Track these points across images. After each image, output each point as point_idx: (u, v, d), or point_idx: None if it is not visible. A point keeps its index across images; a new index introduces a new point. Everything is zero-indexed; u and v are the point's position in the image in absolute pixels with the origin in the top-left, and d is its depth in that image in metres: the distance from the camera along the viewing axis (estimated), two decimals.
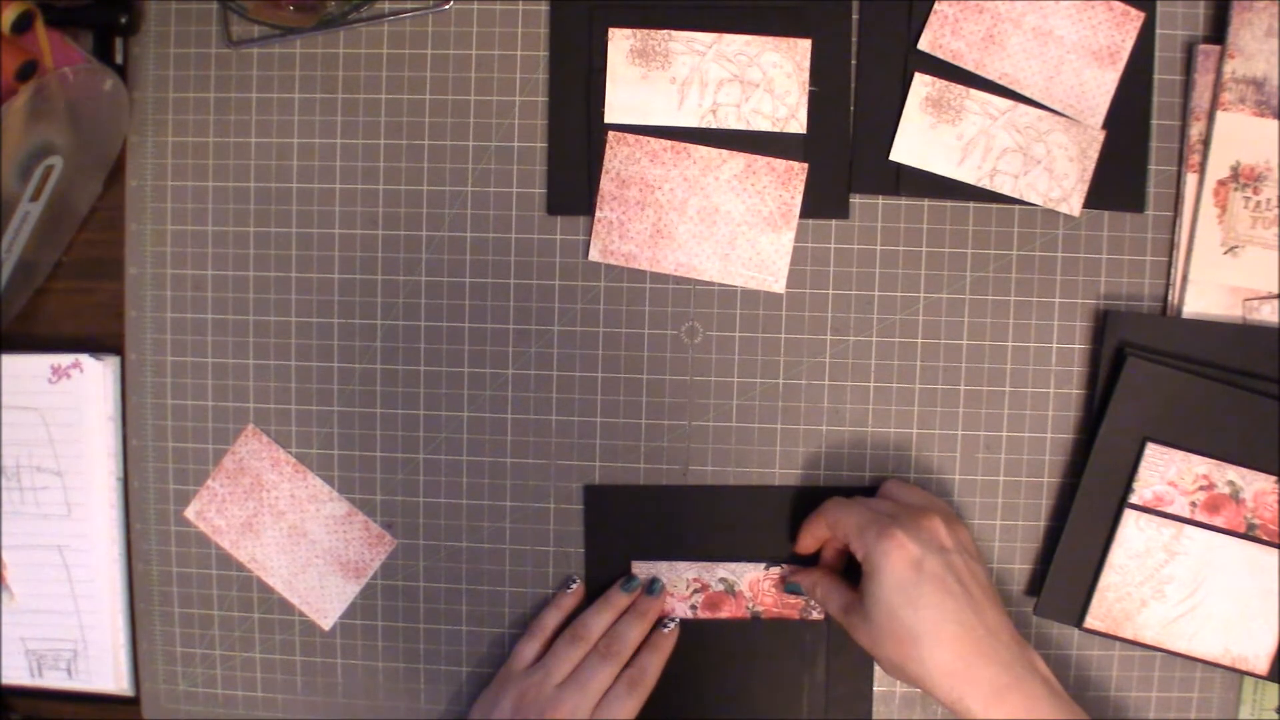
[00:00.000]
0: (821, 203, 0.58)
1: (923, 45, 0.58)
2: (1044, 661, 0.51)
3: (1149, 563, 0.57)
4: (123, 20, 0.59)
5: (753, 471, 0.60)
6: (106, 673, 0.62)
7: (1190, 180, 0.58)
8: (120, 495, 0.62)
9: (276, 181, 0.61)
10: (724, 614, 0.60)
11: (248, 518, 0.61)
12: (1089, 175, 0.58)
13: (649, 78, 0.58)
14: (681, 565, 0.59)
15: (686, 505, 0.60)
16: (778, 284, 0.59)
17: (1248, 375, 0.56)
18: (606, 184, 0.59)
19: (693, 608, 0.60)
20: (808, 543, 0.57)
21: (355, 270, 0.60)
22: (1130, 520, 0.57)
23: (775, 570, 0.59)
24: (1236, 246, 0.57)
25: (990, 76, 0.57)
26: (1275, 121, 0.56)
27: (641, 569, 0.60)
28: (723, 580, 0.60)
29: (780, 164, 0.58)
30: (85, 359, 0.61)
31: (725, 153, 0.58)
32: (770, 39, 0.58)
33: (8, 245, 0.58)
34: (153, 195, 0.61)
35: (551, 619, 0.59)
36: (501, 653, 0.61)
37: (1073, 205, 0.58)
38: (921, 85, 0.58)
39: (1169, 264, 0.58)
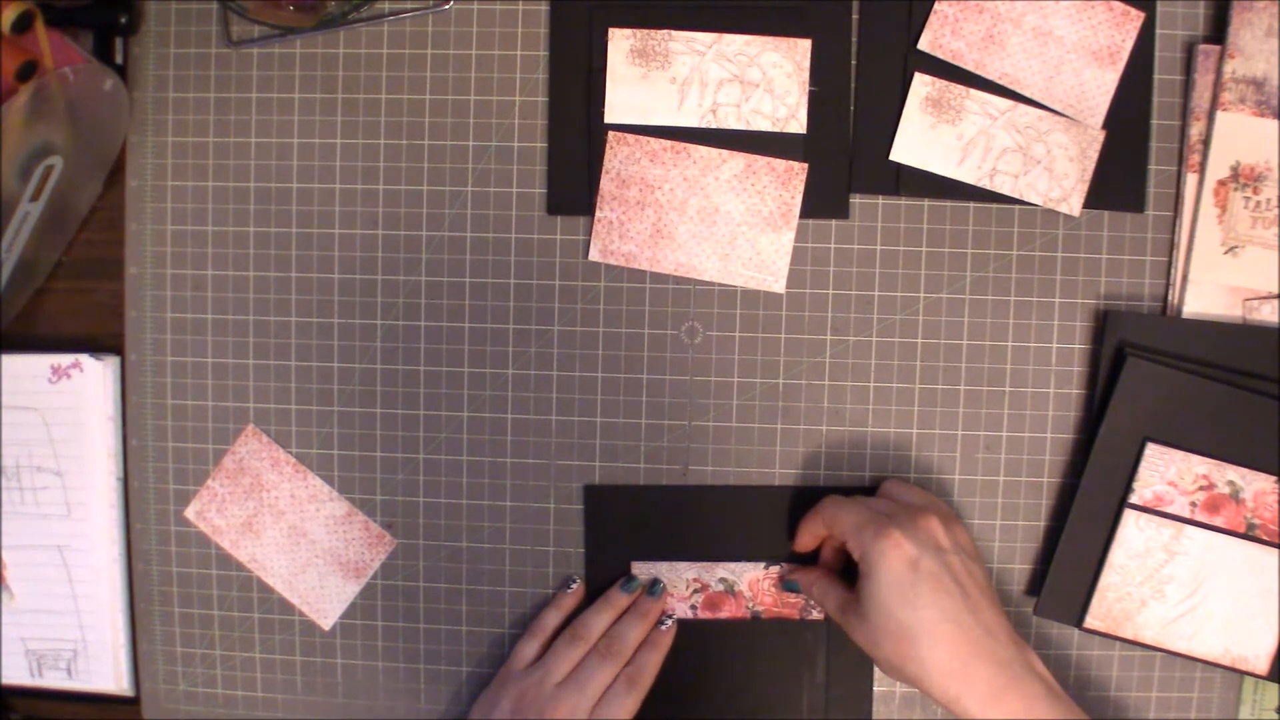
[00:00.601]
0: (821, 203, 0.58)
1: (923, 45, 0.58)
2: (1042, 661, 0.51)
3: (1149, 563, 0.57)
4: (123, 20, 0.59)
5: (753, 471, 0.60)
6: (106, 673, 0.62)
7: (1190, 180, 0.58)
8: (120, 495, 0.62)
9: (276, 181, 0.61)
10: (724, 614, 0.60)
11: (248, 518, 0.61)
12: (1089, 175, 0.58)
13: (649, 78, 0.58)
14: (681, 565, 0.59)
15: (686, 505, 0.60)
16: (778, 284, 0.59)
17: (1248, 375, 0.56)
18: (606, 184, 0.59)
19: (693, 608, 0.60)
20: (806, 541, 0.57)
21: (355, 270, 0.60)
22: (1130, 520, 0.57)
23: (775, 570, 0.59)
24: (1236, 246, 0.57)
25: (990, 76, 0.57)
26: (1275, 121, 0.56)
27: (641, 569, 0.60)
28: (722, 580, 0.60)
29: (780, 164, 0.58)
30: (85, 359, 0.61)
31: (725, 153, 0.58)
32: (770, 39, 0.58)
33: (8, 245, 0.58)
34: (153, 195, 0.61)
35: (551, 619, 0.59)
36: (501, 653, 0.61)
37: (1073, 205, 0.58)
38: (921, 85, 0.58)
39: (1169, 264, 0.58)
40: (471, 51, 0.60)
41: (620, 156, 0.59)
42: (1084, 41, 0.57)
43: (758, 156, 0.58)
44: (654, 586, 0.59)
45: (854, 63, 0.58)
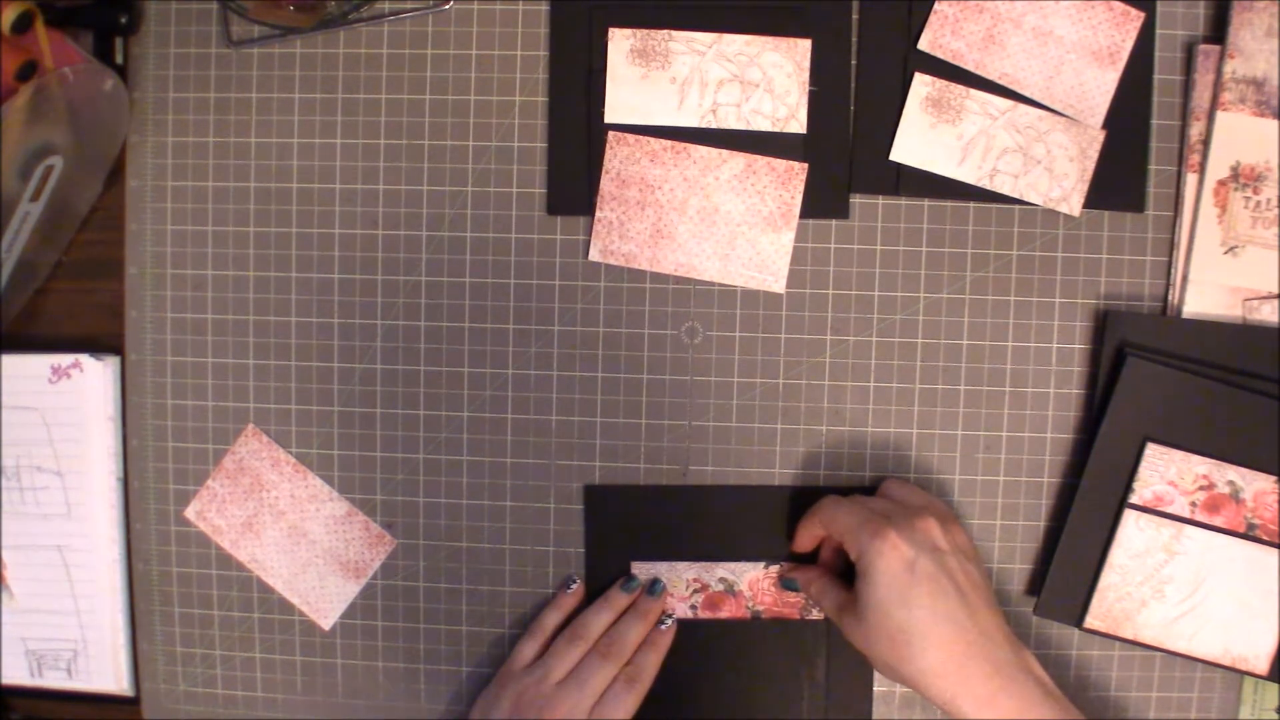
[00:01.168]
0: (821, 203, 0.58)
1: (923, 45, 0.58)
2: (1039, 662, 0.51)
3: (1149, 563, 0.57)
4: (123, 20, 0.59)
5: (753, 471, 0.60)
6: (106, 673, 0.62)
7: (1190, 180, 0.58)
8: (120, 495, 0.62)
9: (276, 181, 0.61)
10: (724, 614, 0.60)
11: (248, 518, 0.61)
12: (1089, 175, 0.58)
13: (649, 78, 0.58)
14: (681, 565, 0.59)
15: (686, 505, 0.60)
16: (778, 284, 0.59)
17: (1248, 375, 0.56)
18: (606, 184, 0.59)
19: (693, 608, 0.60)
20: (804, 541, 0.57)
21: (355, 270, 0.60)
22: (1130, 520, 0.57)
23: (775, 569, 0.59)
24: (1236, 246, 0.57)
25: (990, 76, 0.57)
26: (1275, 121, 0.56)
27: (641, 569, 0.60)
28: (722, 580, 0.60)
29: (780, 164, 0.58)
30: (85, 359, 0.61)
31: (725, 153, 0.58)
32: (770, 39, 0.58)
33: (8, 245, 0.58)
34: (153, 195, 0.61)
35: (551, 619, 0.59)
36: (502, 653, 0.61)
37: (1073, 205, 0.58)
38: (921, 85, 0.58)
39: (1169, 264, 0.58)
40: (471, 51, 0.60)
41: (620, 156, 0.59)
42: (1084, 41, 0.57)
43: (758, 156, 0.58)
44: (654, 586, 0.59)
45: (854, 63, 0.58)
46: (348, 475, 0.61)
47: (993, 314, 0.59)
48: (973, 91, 0.58)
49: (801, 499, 0.59)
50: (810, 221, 0.59)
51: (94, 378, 0.61)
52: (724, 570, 0.59)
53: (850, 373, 0.59)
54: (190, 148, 0.61)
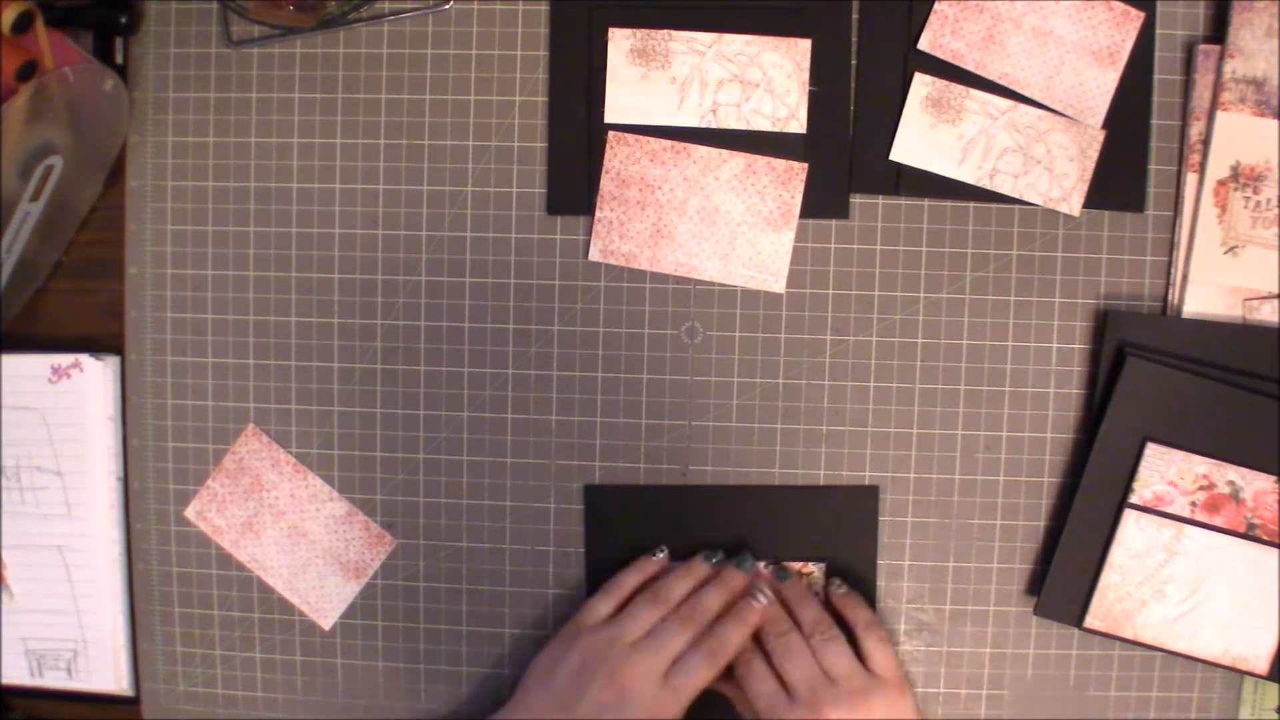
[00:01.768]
0: (821, 203, 0.58)
1: (923, 45, 0.58)
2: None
3: (1149, 562, 0.57)
4: (123, 20, 0.59)
5: (753, 471, 0.60)
6: (106, 673, 0.62)
7: (1190, 180, 0.58)
8: (120, 495, 0.62)
9: (276, 181, 0.61)
10: None
11: (248, 518, 0.61)
12: (1089, 175, 0.58)
13: (649, 78, 0.58)
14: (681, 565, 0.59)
15: (686, 505, 0.60)
16: (778, 284, 0.59)
17: (1248, 375, 0.56)
18: (606, 184, 0.59)
19: None
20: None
21: (355, 270, 0.60)
22: (1130, 520, 0.57)
23: (773, 569, 0.59)
24: (1236, 246, 0.57)
25: (990, 76, 0.57)
26: (1275, 121, 0.56)
27: None
28: None
29: (780, 164, 0.58)
30: (85, 359, 0.61)
31: (725, 153, 0.58)
32: (770, 39, 0.58)
33: (8, 245, 0.58)
34: (153, 195, 0.61)
35: (631, 579, 0.57)
36: (501, 652, 0.61)
37: (1073, 205, 0.58)
38: (921, 85, 0.58)
39: (1169, 264, 0.58)
40: (471, 51, 0.60)
41: (620, 156, 0.59)
42: (1084, 41, 0.57)
43: (758, 156, 0.58)
44: (743, 561, 0.57)
45: (854, 63, 0.58)
46: (348, 475, 0.61)
47: (993, 314, 0.59)
48: (973, 91, 0.58)
49: (801, 499, 0.59)
50: (810, 221, 0.59)
51: (94, 378, 0.61)
52: None
53: (850, 373, 0.59)
54: (190, 148, 0.61)
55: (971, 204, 0.58)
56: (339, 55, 0.60)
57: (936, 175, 0.58)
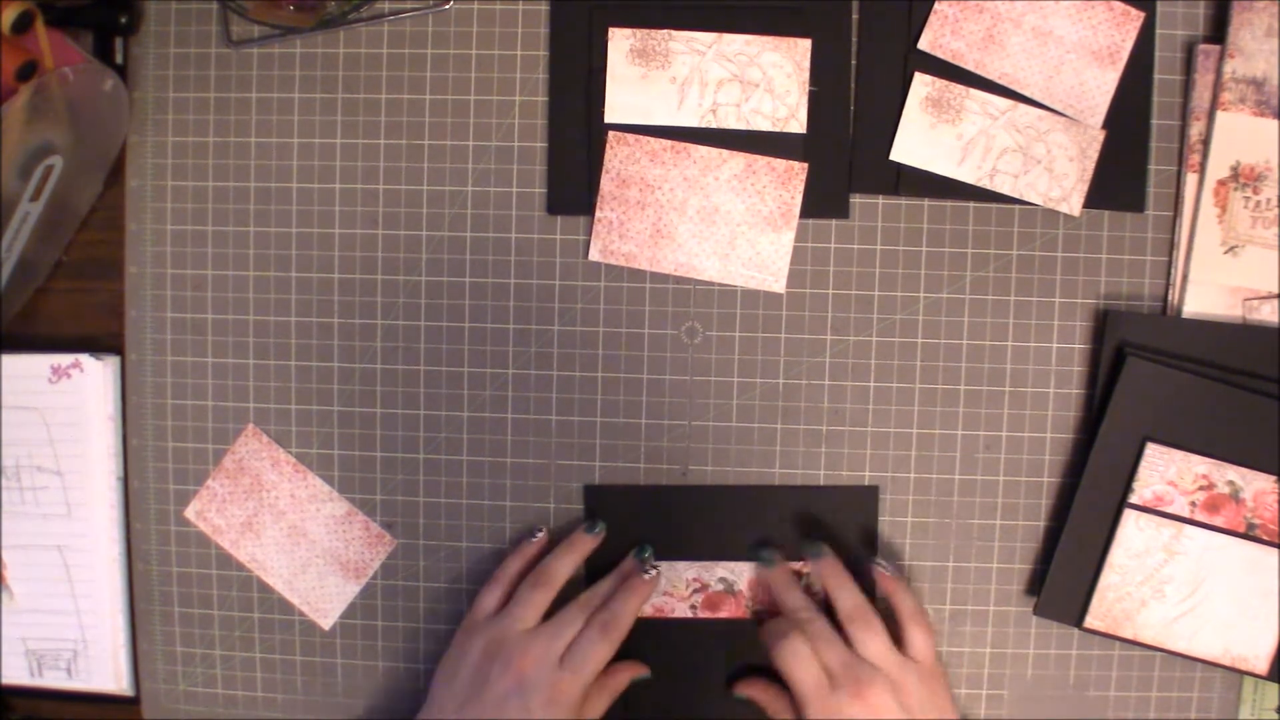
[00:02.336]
0: (821, 203, 0.58)
1: (923, 45, 0.58)
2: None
3: (1149, 562, 0.57)
4: (123, 20, 0.59)
5: (753, 471, 0.60)
6: (106, 673, 0.62)
7: (1190, 180, 0.58)
8: (120, 495, 0.62)
9: (276, 181, 0.61)
10: (724, 614, 0.60)
11: (248, 518, 0.61)
12: (1089, 175, 0.58)
13: (649, 77, 0.58)
14: (681, 565, 0.59)
15: (686, 505, 0.60)
16: (778, 284, 0.59)
17: (1248, 375, 0.56)
18: (606, 184, 0.59)
19: (692, 607, 0.60)
20: (753, 689, 0.57)
21: (355, 270, 0.61)
22: (1130, 520, 0.57)
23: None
24: (1236, 246, 0.57)
25: (990, 76, 0.57)
26: (1275, 121, 0.56)
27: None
28: (722, 580, 0.60)
29: (780, 164, 0.58)
30: (85, 359, 0.61)
31: (725, 153, 0.58)
32: (770, 39, 0.58)
33: (8, 245, 0.58)
34: (153, 195, 0.61)
35: (514, 565, 0.58)
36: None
37: (1073, 205, 0.58)
38: (921, 85, 0.58)
39: (1169, 264, 0.58)
40: (471, 51, 0.60)
41: (620, 156, 0.59)
42: (1084, 41, 0.57)
43: (758, 156, 0.58)
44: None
45: (854, 63, 0.58)
46: (348, 475, 0.61)
47: (993, 314, 0.59)
48: (973, 91, 0.58)
49: (802, 499, 0.59)
50: (810, 221, 0.59)
51: (94, 377, 0.61)
52: (723, 570, 0.59)
53: (850, 373, 0.59)
54: (190, 148, 0.61)
55: (971, 204, 0.58)
56: (339, 55, 0.60)
57: (936, 175, 0.58)
